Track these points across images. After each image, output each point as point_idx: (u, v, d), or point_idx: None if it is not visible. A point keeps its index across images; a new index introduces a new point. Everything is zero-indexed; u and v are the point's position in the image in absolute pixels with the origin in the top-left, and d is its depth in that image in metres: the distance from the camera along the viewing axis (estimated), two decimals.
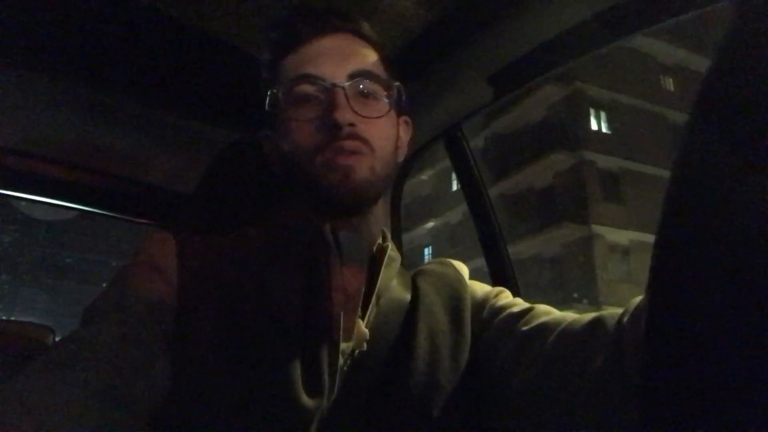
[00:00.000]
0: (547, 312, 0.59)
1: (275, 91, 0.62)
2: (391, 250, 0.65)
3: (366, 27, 0.66)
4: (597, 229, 14.79)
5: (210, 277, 0.56)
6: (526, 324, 0.58)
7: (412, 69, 0.99)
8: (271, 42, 0.64)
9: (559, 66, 0.93)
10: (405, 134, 0.70)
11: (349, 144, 0.58)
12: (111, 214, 1.45)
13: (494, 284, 0.73)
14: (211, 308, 0.54)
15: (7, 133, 1.08)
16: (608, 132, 15.80)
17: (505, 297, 0.67)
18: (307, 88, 0.60)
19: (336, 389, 0.54)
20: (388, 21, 0.67)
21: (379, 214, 0.67)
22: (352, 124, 0.58)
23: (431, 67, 1.01)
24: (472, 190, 1.13)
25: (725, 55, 0.28)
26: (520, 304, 0.64)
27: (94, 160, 1.23)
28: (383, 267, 0.63)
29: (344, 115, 0.57)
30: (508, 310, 0.62)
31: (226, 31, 1.00)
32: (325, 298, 0.56)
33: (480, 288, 0.70)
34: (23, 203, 1.71)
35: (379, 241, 0.67)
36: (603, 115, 15.79)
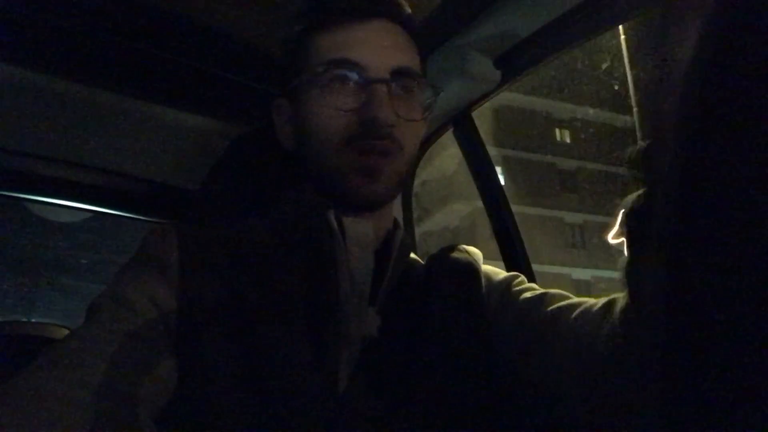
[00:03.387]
0: (562, 296, 0.59)
1: (305, 68, 0.58)
2: (402, 237, 0.64)
3: (410, 15, 0.62)
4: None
5: (213, 270, 0.55)
6: (545, 307, 0.57)
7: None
8: (306, 14, 0.60)
9: (567, 47, 0.91)
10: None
11: (381, 144, 0.56)
12: (121, 213, 1.46)
13: (508, 271, 0.72)
14: (214, 302, 0.53)
15: (11, 135, 1.09)
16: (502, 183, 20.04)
17: (522, 282, 0.66)
18: (346, 74, 0.56)
19: (348, 377, 0.53)
20: None
21: (391, 203, 0.66)
22: (391, 125, 0.56)
23: (437, 51, 0.99)
24: (483, 177, 1.11)
25: (707, 48, 0.27)
26: (536, 288, 0.63)
27: (100, 159, 1.24)
28: (394, 253, 0.62)
29: (388, 116, 0.55)
30: (525, 295, 0.61)
31: (230, 26, 0.99)
32: (332, 286, 0.55)
33: (495, 273, 0.69)
34: (36, 206, 1.72)
35: (390, 227, 0.66)
36: (499, 168, 19.11)
